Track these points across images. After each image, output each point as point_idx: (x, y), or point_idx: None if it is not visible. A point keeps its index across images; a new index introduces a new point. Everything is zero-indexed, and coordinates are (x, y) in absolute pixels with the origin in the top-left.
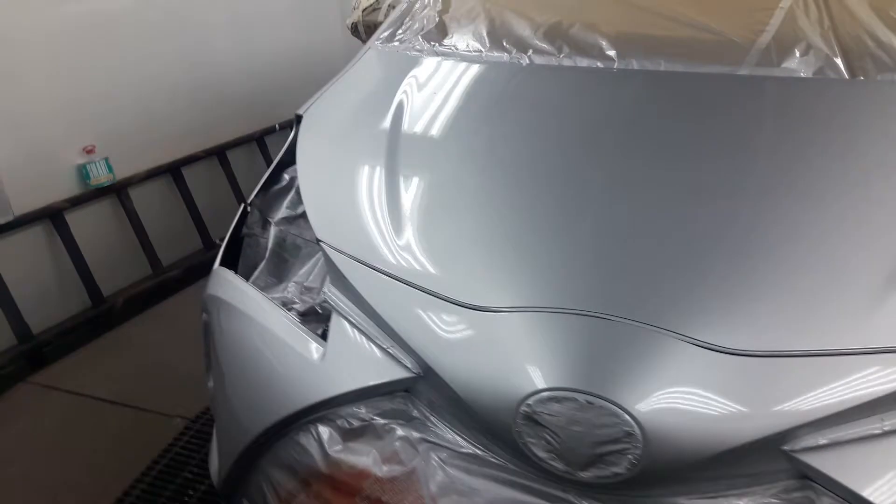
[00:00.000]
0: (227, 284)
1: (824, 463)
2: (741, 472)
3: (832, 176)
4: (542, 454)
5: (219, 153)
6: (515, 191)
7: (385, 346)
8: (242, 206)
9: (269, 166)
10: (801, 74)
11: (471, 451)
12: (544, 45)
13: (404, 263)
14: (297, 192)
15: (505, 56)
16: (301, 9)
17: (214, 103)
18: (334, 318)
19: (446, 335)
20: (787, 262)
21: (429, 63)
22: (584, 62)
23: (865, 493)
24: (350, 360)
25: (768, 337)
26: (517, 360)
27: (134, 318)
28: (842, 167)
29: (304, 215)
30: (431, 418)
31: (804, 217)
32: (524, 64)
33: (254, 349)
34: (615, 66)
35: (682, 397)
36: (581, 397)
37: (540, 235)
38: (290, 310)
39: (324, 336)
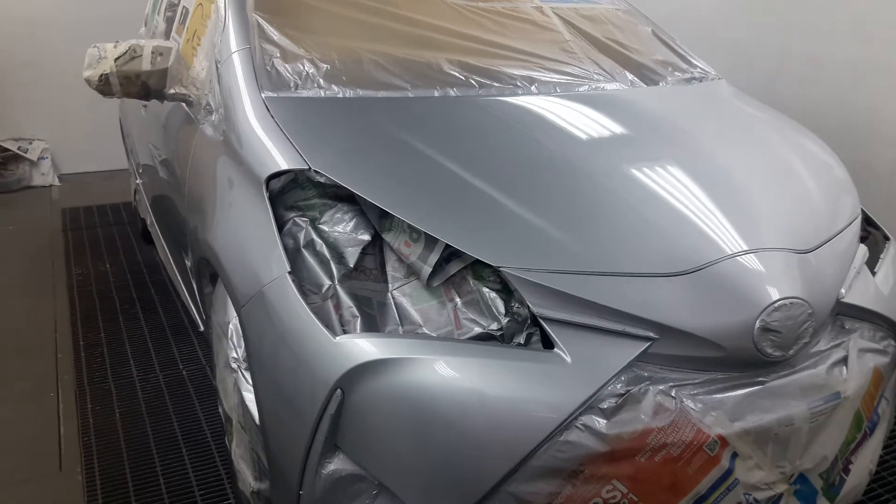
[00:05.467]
0: (378, 351)
1: None
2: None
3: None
4: (769, 350)
5: None
6: (586, 185)
7: (617, 329)
8: (290, 278)
9: None
10: (633, 87)
11: (708, 377)
12: (457, 78)
13: (582, 257)
14: (335, 245)
15: (435, 92)
16: None
17: None
18: (554, 329)
19: (673, 300)
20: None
21: (400, 104)
22: (501, 91)
23: None
24: (595, 355)
25: (800, 239)
26: (737, 298)
27: None
28: (708, 139)
29: (357, 268)
30: (663, 369)
31: (717, 168)
32: (453, 96)
33: (486, 390)
34: (537, 93)
35: (812, 283)
36: (787, 301)
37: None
38: None
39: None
